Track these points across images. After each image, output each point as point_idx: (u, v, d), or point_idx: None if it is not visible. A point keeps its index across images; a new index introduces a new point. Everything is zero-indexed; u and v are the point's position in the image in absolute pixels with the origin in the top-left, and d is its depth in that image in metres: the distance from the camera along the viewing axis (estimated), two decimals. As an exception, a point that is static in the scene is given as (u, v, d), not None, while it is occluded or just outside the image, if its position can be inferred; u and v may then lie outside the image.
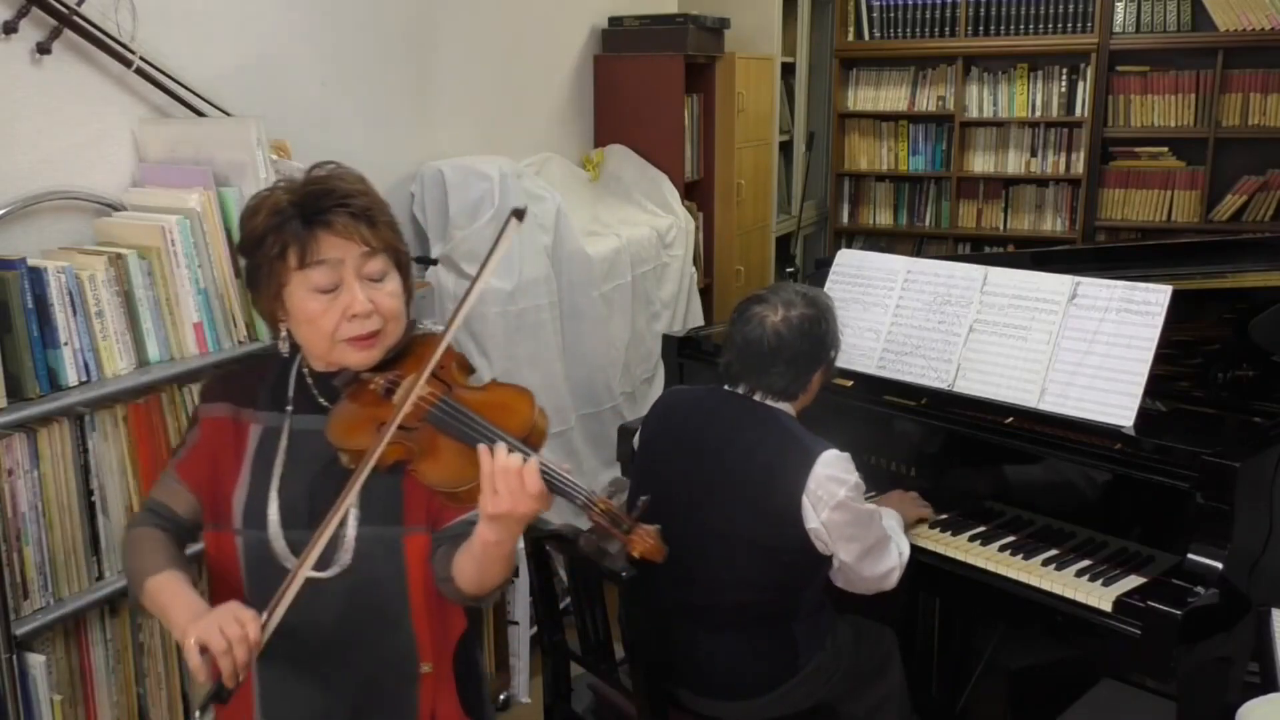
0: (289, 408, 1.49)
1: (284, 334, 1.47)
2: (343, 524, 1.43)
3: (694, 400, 2.14)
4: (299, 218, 1.40)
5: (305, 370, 1.51)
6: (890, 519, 2.06)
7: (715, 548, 1.96)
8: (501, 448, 1.32)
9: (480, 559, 1.39)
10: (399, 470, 1.40)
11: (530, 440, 1.38)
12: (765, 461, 1.93)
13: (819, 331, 1.99)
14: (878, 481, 2.33)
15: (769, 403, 2.00)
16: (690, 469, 2.01)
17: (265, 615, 1.32)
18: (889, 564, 1.97)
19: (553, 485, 1.34)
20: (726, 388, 2.05)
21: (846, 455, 1.92)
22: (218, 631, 1.27)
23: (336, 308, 1.41)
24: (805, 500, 1.87)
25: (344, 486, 1.38)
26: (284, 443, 1.47)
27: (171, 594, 1.40)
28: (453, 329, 1.41)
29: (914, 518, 2.17)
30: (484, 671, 1.69)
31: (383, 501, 1.44)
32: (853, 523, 1.90)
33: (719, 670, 2.02)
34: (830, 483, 1.87)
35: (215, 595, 1.50)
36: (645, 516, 1.36)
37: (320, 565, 1.40)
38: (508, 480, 1.30)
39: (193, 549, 1.57)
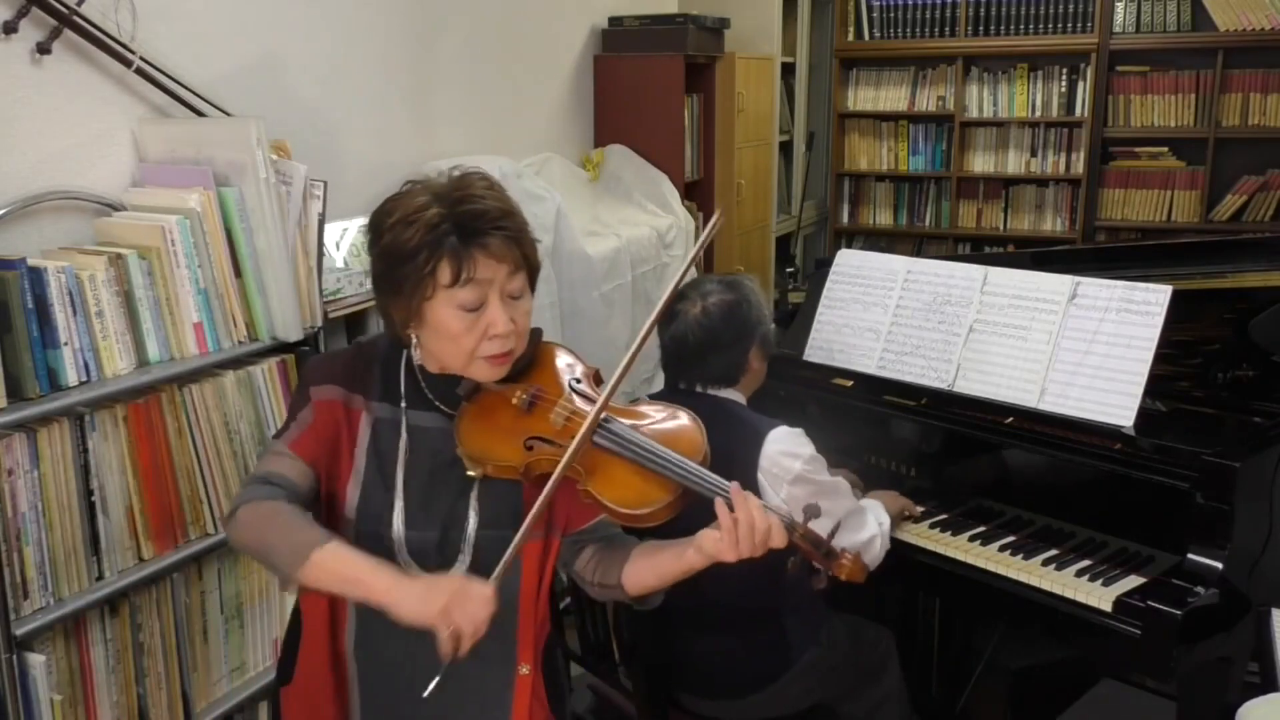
0: (403, 403, 1.48)
1: (414, 341, 1.46)
2: (463, 528, 1.44)
3: None
4: (457, 235, 1.38)
5: (418, 368, 1.49)
6: (869, 500, 2.07)
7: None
8: (753, 497, 1.37)
9: (678, 578, 1.45)
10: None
11: (705, 462, 1.43)
12: (719, 449, 1.93)
13: (742, 312, 2.01)
14: (878, 481, 2.33)
15: (712, 392, 2.02)
16: None
17: (495, 582, 1.33)
18: (868, 531, 1.96)
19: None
20: (673, 388, 2.07)
21: (799, 430, 1.93)
22: (465, 615, 1.29)
23: (479, 327, 1.41)
24: (761, 479, 1.88)
25: (461, 490, 1.44)
26: (404, 439, 1.46)
27: (360, 563, 1.36)
28: (627, 364, 1.45)
29: (895, 511, 2.16)
30: (568, 673, 1.70)
31: (501, 505, 1.44)
32: (816, 494, 1.89)
33: (714, 669, 2.02)
34: (783, 458, 1.88)
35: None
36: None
37: (443, 565, 1.42)
38: (754, 534, 1.36)
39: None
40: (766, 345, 2.08)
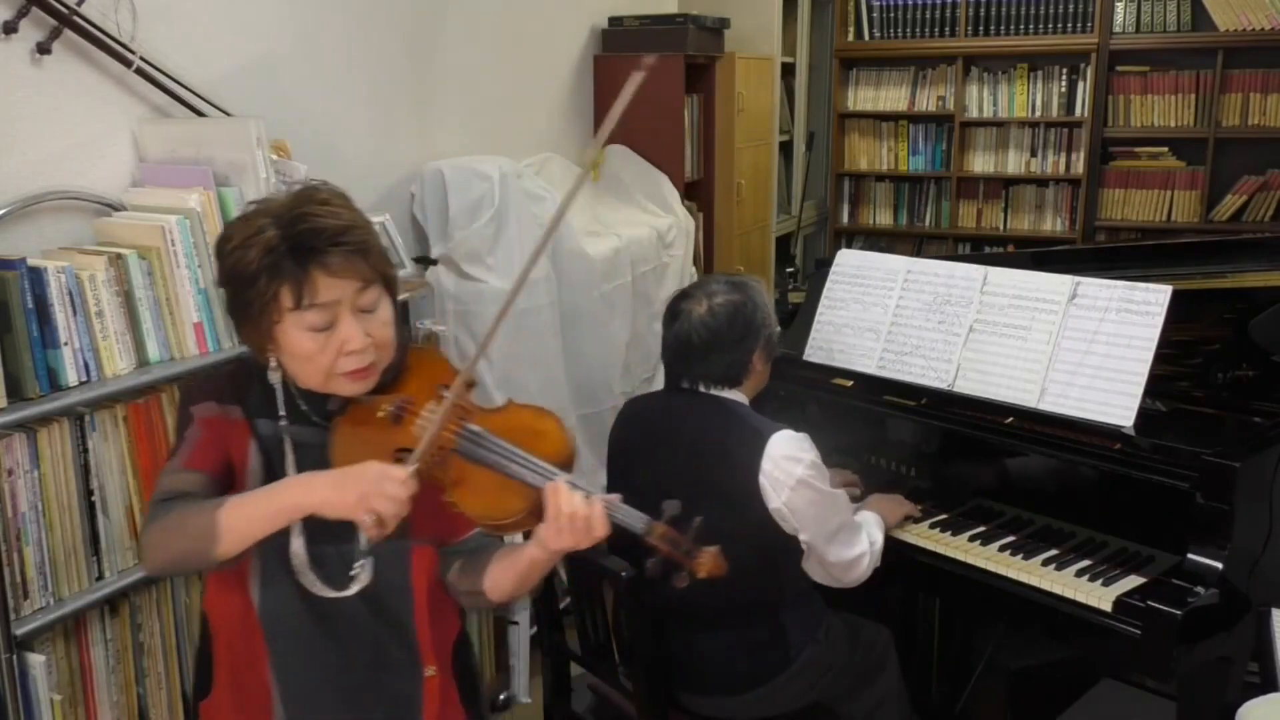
0: (283, 418, 1.45)
1: (274, 364, 1.43)
2: (355, 541, 1.43)
3: (646, 403, 2.18)
4: (292, 258, 1.34)
5: (291, 385, 1.46)
6: (867, 515, 2.07)
7: None
8: (564, 489, 1.35)
9: (525, 576, 1.45)
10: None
11: (567, 464, 1.42)
12: (721, 450, 1.95)
13: (747, 313, 2.01)
14: (878, 481, 2.33)
15: (715, 392, 2.01)
16: (656, 471, 2.02)
17: (411, 465, 1.33)
18: (858, 549, 1.97)
19: (614, 521, 1.38)
20: (675, 387, 2.07)
21: (803, 435, 1.93)
22: (385, 499, 1.30)
23: (332, 345, 1.38)
24: (763, 481, 1.88)
25: None
26: (290, 455, 1.45)
27: (265, 495, 1.36)
28: (474, 364, 1.44)
29: (897, 518, 2.16)
30: (479, 671, 1.70)
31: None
32: (815, 502, 1.90)
33: (713, 667, 2.03)
34: (786, 461, 1.88)
35: (215, 580, 1.48)
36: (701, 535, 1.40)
37: (339, 586, 1.42)
38: (575, 523, 1.35)
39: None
40: (771, 348, 2.08)
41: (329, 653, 1.47)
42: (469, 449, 1.41)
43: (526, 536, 1.46)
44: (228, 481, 1.45)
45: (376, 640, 1.48)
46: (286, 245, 1.34)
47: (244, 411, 1.46)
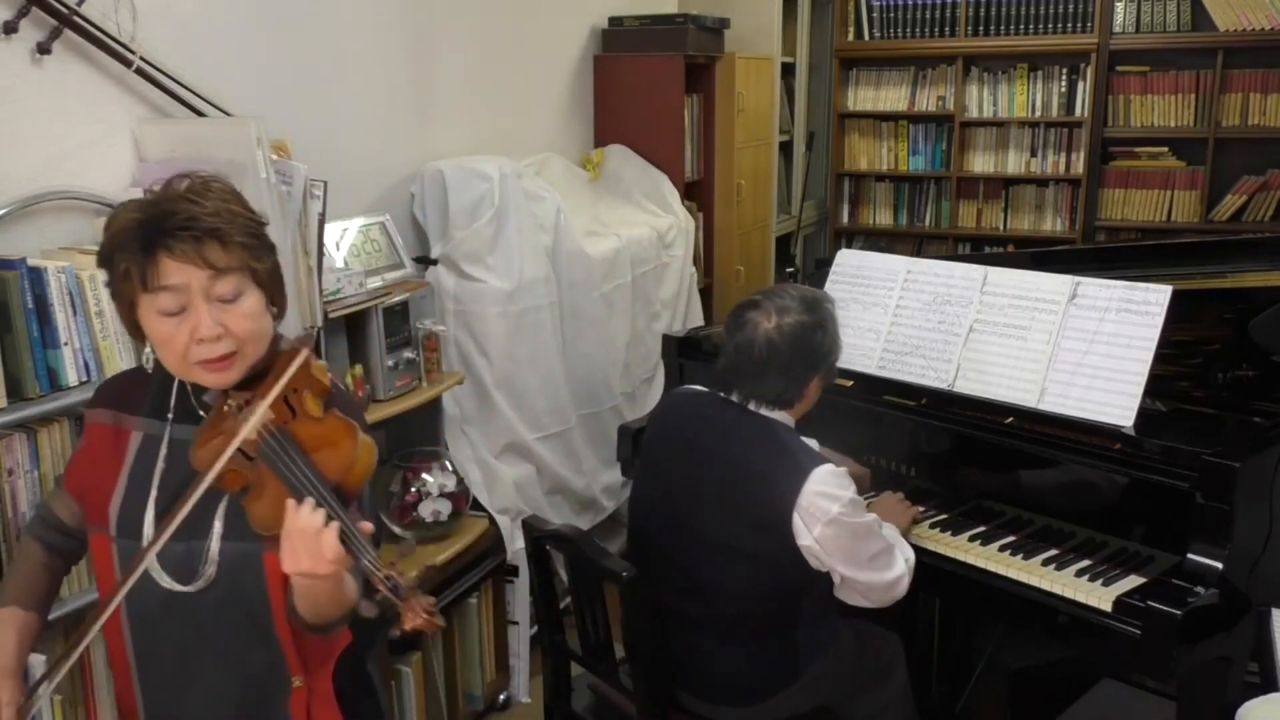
0: (169, 416, 1.47)
1: (148, 349, 1.45)
2: (207, 538, 1.42)
3: (694, 404, 2.10)
4: (140, 241, 1.35)
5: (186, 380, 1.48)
6: (889, 529, 2.03)
7: (713, 557, 1.95)
8: (308, 504, 1.31)
9: (304, 600, 1.38)
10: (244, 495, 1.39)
11: (346, 482, 1.38)
12: (758, 474, 1.90)
13: (815, 339, 1.93)
14: (877, 481, 2.33)
15: (764, 412, 1.96)
16: (687, 474, 2.00)
17: (37, 684, 1.45)
18: (896, 571, 1.94)
19: (349, 548, 1.31)
20: (722, 395, 2.02)
21: (843, 471, 1.88)
22: None
23: (184, 330, 1.37)
24: (796, 517, 1.85)
25: (210, 501, 1.40)
26: (164, 451, 1.46)
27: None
28: (285, 378, 1.37)
29: (905, 524, 2.14)
30: (376, 684, 1.69)
31: (245, 518, 1.41)
32: (849, 536, 1.87)
33: (719, 676, 2.02)
34: (822, 499, 1.84)
35: (102, 597, 1.51)
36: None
37: (184, 579, 1.41)
38: (305, 542, 1.29)
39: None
40: (830, 375, 2.00)
41: (195, 660, 1.47)
42: (269, 453, 1.37)
43: None
44: (88, 499, 1.50)
45: (242, 646, 1.46)
46: (139, 228, 1.37)
47: (137, 414, 1.49)
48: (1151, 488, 1.96)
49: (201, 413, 1.46)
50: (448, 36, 3.19)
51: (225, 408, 1.41)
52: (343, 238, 2.61)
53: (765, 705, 2.00)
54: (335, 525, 1.30)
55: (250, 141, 2.08)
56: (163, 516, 1.42)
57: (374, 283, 2.61)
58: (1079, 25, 4.93)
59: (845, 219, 5.68)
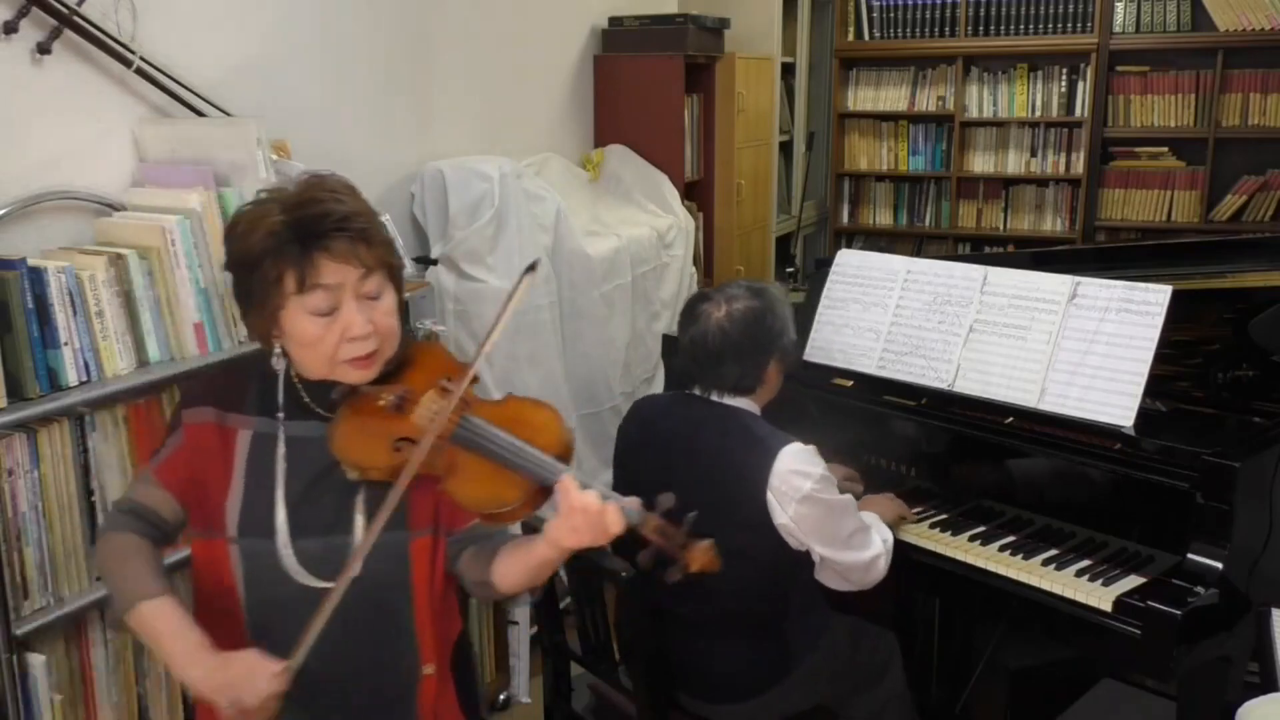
0: (280, 414, 1.46)
1: (278, 350, 1.45)
2: (349, 533, 1.43)
3: (663, 407, 2.14)
4: (296, 241, 1.36)
5: (295, 377, 1.48)
6: (868, 515, 2.05)
7: None
8: (575, 486, 1.35)
9: (535, 570, 1.45)
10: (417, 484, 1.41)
11: (565, 457, 1.42)
12: (729, 462, 1.92)
13: (765, 323, 1.97)
14: (877, 481, 2.33)
15: (727, 401, 1.99)
16: (664, 476, 1.99)
17: (292, 659, 1.33)
18: (872, 551, 1.95)
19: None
20: (688, 391, 2.05)
21: (811, 448, 1.91)
22: (249, 692, 1.29)
23: (335, 330, 1.39)
24: (770, 496, 1.87)
25: (345, 496, 1.42)
26: (282, 450, 1.45)
27: (169, 627, 1.37)
28: (478, 361, 1.44)
29: (892, 517, 2.14)
30: (479, 671, 1.69)
31: (401, 509, 1.42)
32: (824, 515, 1.88)
33: (713, 674, 2.02)
34: (794, 476, 1.86)
35: (200, 603, 1.49)
36: (695, 528, 1.40)
37: (328, 576, 1.40)
38: (589, 519, 1.34)
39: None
40: (786, 358, 2.04)
41: (321, 648, 1.45)
42: (466, 438, 1.41)
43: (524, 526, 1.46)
44: (191, 499, 1.47)
45: (373, 636, 1.47)
46: (291, 229, 1.36)
47: (243, 412, 1.47)
48: (1151, 488, 1.96)
49: (317, 408, 1.46)
50: (448, 36, 3.19)
51: (381, 402, 1.43)
52: (343, 238, 2.61)
53: (761, 700, 2.00)
54: (615, 504, 1.36)
55: (250, 141, 2.09)
56: (294, 513, 1.42)
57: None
58: (1079, 25, 4.93)
59: (845, 219, 5.69)
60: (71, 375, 1.84)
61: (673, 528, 1.39)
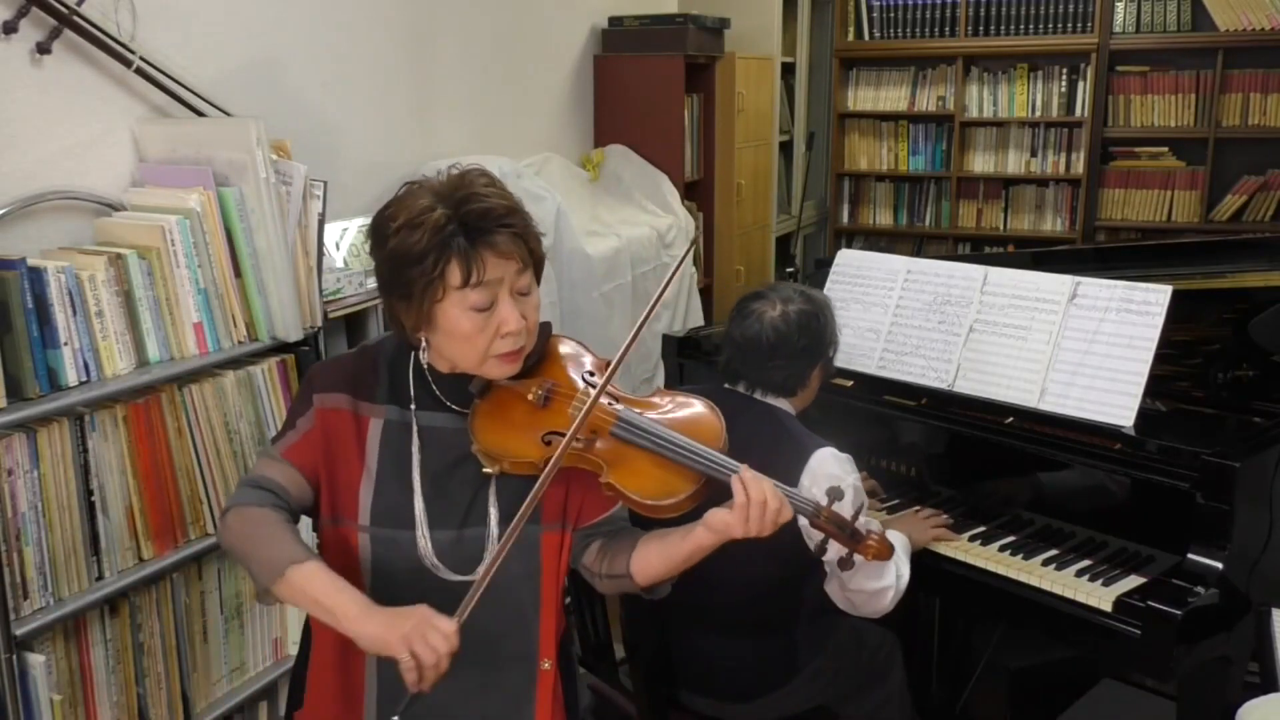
0: (412, 405, 1.46)
1: (424, 344, 1.45)
2: (485, 525, 1.44)
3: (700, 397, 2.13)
4: (464, 236, 1.36)
5: (426, 367, 1.48)
6: (896, 538, 2.01)
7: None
8: (753, 477, 1.39)
9: (685, 559, 1.45)
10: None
11: (723, 448, 1.45)
12: (759, 455, 1.90)
13: (816, 327, 1.99)
14: (878, 481, 2.33)
15: (768, 400, 2.00)
16: None
17: (458, 619, 1.31)
18: (884, 581, 1.92)
19: (794, 506, 1.43)
20: (726, 385, 2.05)
21: (847, 457, 1.91)
22: (426, 645, 1.26)
23: (491, 326, 1.39)
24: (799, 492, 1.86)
25: (478, 488, 1.44)
26: (416, 441, 1.45)
27: (330, 586, 1.33)
28: (631, 347, 1.45)
29: (924, 541, 2.11)
30: (578, 669, 1.69)
31: (520, 501, 1.41)
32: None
33: (718, 671, 2.02)
34: (826, 480, 1.83)
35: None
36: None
37: (462, 569, 1.41)
38: (764, 511, 1.39)
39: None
40: (829, 367, 2.07)
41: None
42: (624, 432, 1.43)
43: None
44: (323, 481, 1.45)
45: (493, 631, 1.45)
46: (457, 224, 1.36)
47: (374, 401, 1.47)
48: (1151, 488, 1.96)
49: (446, 400, 1.46)
50: (448, 36, 3.19)
51: (530, 396, 1.44)
52: (343, 238, 2.61)
53: (765, 701, 2.00)
54: (787, 499, 1.41)
55: (250, 141, 2.08)
56: (432, 504, 1.43)
57: (374, 283, 2.60)
58: (1079, 25, 4.93)
59: (845, 219, 5.69)
60: (71, 375, 1.84)
61: (844, 518, 1.43)
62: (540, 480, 1.36)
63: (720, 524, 1.40)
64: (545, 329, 1.52)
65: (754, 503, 1.38)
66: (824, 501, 1.45)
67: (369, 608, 1.32)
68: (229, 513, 1.42)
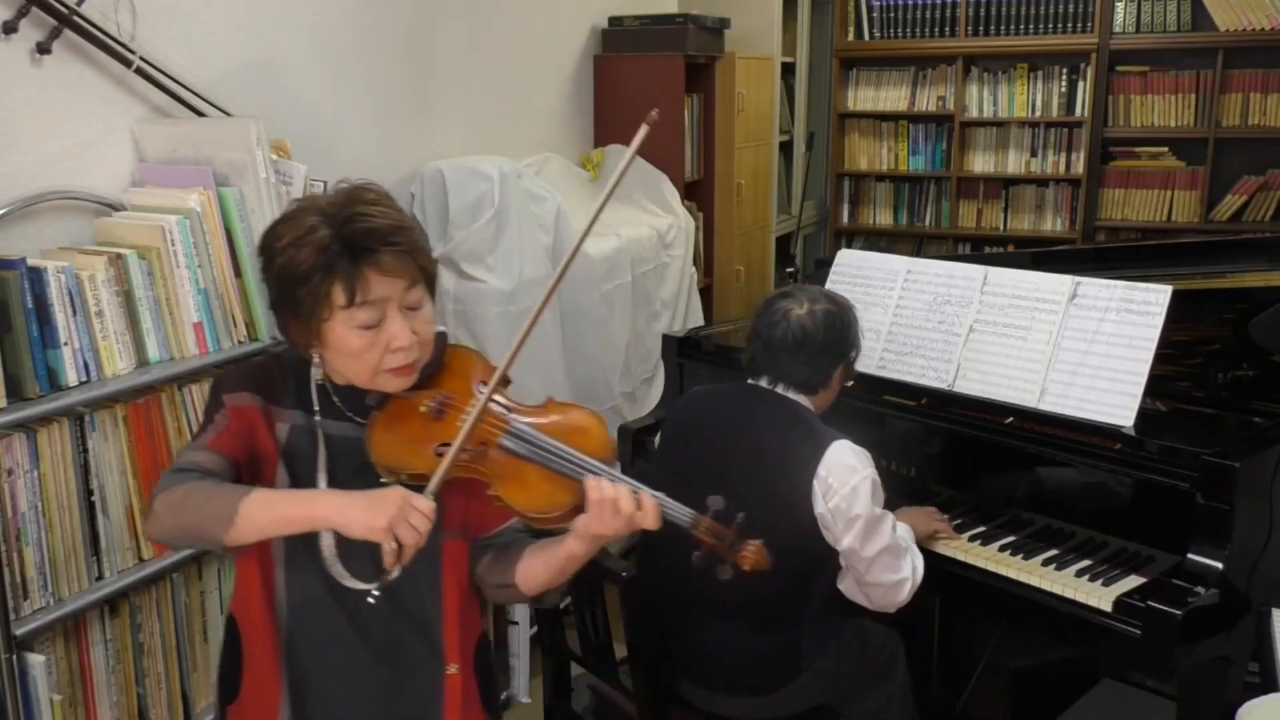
0: (316, 412, 1.47)
1: (316, 360, 1.45)
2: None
3: (715, 395, 2.17)
4: (347, 257, 1.36)
5: (325, 379, 1.48)
6: (903, 529, 2.03)
7: None
8: (604, 479, 1.40)
9: (561, 569, 1.47)
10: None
11: (610, 460, 1.45)
12: (777, 445, 1.95)
13: (840, 326, 2.03)
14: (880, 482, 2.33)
15: (790, 394, 2.02)
16: (706, 457, 2.03)
17: (431, 496, 1.35)
18: (901, 574, 1.94)
19: (664, 516, 1.42)
20: (749, 381, 2.07)
21: (864, 450, 1.93)
22: (408, 527, 1.31)
23: (380, 343, 1.40)
24: (815, 485, 1.89)
25: None
26: (322, 448, 1.45)
27: (291, 497, 1.38)
28: (515, 355, 1.46)
29: (927, 531, 2.14)
30: (498, 672, 1.70)
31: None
32: (865, 522, 1.88)
33: (723, 665, 2.02)
34: (843, 470, 1.88)
35: (241, 575, 1.48)
36: (746, 529, 1.44)
37: (374, 571, 1.41)
38: (616, 509, 1.38)
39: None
40: (850, 370, 2.10)
41: (349, 649, 1.46)
42: (513, 444, 1.43)
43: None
44: (245, 472, 1.45)
45: (399, 636, 1.48)
46: (340, 244, 1.36)
47: (282, 405, 1.47)
48: (1151, 488, 1.96)
49: (348, 412, 1.46)
50: (447, 36, 3.19)
51: (422, 409, 1.44)
52: (343, 238, 2.61)
53: (769, 699, 2.01)
54: (653, 500, 1.40)
55: (250, 141, 2.08)
56: None
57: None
58: (1079, 25, 4.92)
59: (845, 219, 5.68)
60: (71, 375, 1.84)
61: (724, 529, 1.43)
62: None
63: (581, 526, 1.41)
64: (441, 339, 1.51)
65: (605, 500, 1.38)
66: (705, 512, 1.44)
67: (342, 496, 1.36)
68: (162, 494, 1.39)
